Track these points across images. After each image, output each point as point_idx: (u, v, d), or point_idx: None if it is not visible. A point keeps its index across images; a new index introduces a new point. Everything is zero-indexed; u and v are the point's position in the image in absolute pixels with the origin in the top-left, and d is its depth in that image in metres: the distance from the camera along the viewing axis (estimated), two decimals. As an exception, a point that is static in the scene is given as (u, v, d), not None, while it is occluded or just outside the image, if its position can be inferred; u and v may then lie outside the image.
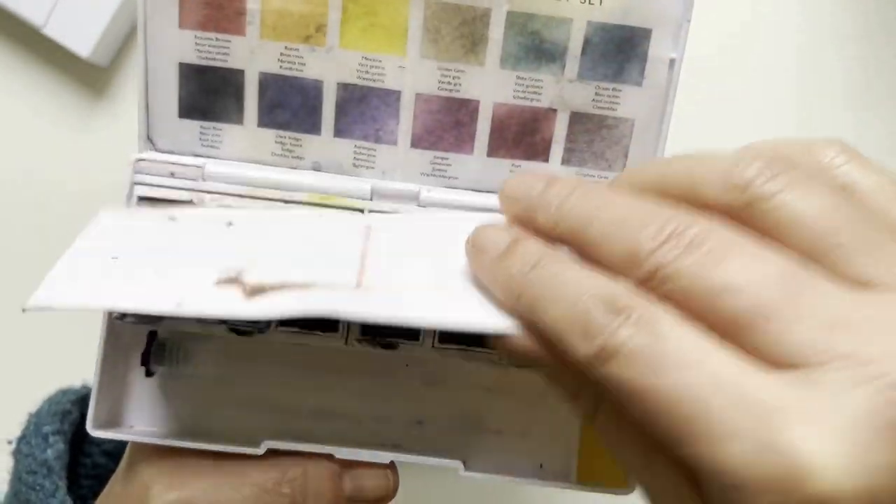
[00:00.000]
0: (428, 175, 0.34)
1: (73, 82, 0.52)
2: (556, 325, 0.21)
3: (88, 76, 0.52)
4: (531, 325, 0.22)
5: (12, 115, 0.52)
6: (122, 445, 0.39)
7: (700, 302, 0.20)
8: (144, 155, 0.33)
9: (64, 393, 0.38)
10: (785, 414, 0.18)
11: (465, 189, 0.34)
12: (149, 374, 0.32)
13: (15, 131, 0.52)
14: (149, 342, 0.32)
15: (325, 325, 0.32)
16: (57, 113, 0.52)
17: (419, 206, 0.33)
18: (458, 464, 0.31)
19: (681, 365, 0.19)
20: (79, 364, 0.44)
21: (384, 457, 0.32)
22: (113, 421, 0.33)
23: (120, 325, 0.32)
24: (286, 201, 0.33)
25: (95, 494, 0.37)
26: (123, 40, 0.52)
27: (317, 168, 0.34)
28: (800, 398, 0.18)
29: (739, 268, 0.19)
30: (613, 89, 0.32)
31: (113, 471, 0.38)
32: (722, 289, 0.19)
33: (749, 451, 0.18)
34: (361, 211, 0.33)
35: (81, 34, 0.49)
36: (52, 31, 0.49)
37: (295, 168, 0.34)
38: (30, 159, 0.52)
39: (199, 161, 0.33)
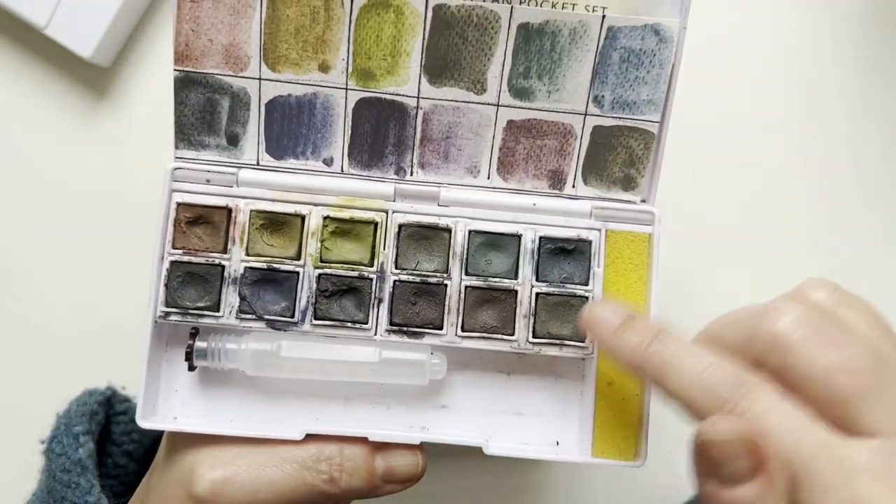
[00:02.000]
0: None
1: (74, 83, 0.53)
2: (684, 392, 0.28)
3: (90, 77, 0.53)
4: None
5: (14, 114, 0.53)
6: (141, 447, 0.42)
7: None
8: (180, 164, 0.36)
9: (90, 394, 0.41)
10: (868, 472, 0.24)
11: (482, 187, 0.37)
12: (191, 368, 0.35)
13: (17, 131, 0.53)
14: (191, 339, 0.35)
15: (355, 319, 0.36)
16: (59, 113, 0.53)
17: (439, 205, 0.36)
18: (482, 442, 0.35)
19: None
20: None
21: (414, 438, 0.35)
22: (159, 413, 0.36)
23: (163, 323, 0.36)
24: (315, 204, 0.36)
25: (115, 494, 0.41)
26: (125, 41, 0.53)
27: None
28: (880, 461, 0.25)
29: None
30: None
31: (134, 472, 0.41)
32: None
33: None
34: (385, 212, 0.36)
35: (83, 35, 0.50)
36: (54, 32, 0.50)
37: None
38: (32, 159, 0.53)
39: (233, 169, 0.36)
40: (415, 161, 0.37)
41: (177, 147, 0.36)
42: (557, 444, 0.37)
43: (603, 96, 0.36)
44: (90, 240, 0.52)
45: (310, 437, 0.35)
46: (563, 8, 0.35)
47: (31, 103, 0.53)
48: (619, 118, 0.36)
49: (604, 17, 0.34)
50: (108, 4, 0.50)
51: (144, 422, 0.35)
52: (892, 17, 0.55)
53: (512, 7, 0.34)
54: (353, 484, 0.35)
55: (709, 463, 0.26)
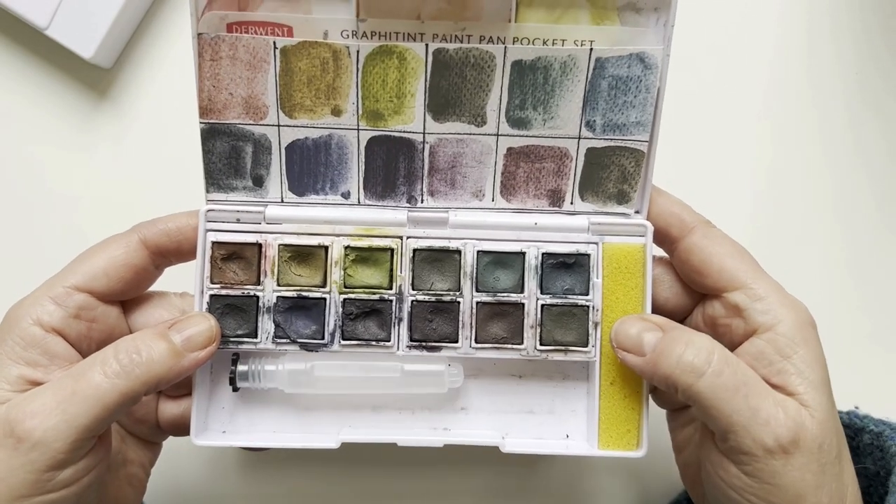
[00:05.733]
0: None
1: (75, 83, 0.58)
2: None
3: (91, 77, 0.58)
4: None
5: (16, 115, 0.58)
6: None
7: None
8: (212, 206, 0.42)
9: None
10: None
11: (487, 209, 0.44)
12: (235, 389, 0.43)
13: (18, 131, 0.58)
14: (233, 364, 0.43)
15: (379, 338, 0.43)
16: (60, 113, 0.58)
17: (449, 227, 0.43)
18: (498, 442, 0.43)
19: None
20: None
21: (438, 441, 0.43)
22: (209, 429, 0.44)
23: (207, 351, 0.43)
24: (336, 235, 0.43)
25: None
26: (126, 42, 0.58)
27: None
28: None
29: None
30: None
31: None
32: None
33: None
34: (400, 238, 0.43)
35: (84, 36, 0.54)
36: (56, 33, 0.54)
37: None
38: (33, 159, 0.58)
39: (260, 207, 0.42)
40: (424, 190, 0.43)
41: (207, 191, 0.43)
42: (567, 437, 0.44)
43: (594, 121, 0.42)
44: (91, 241, 0.54)
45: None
46: (553, 44, 0.40)
47: (32, 104, 0.58)
48: (611, 140, 0.42)
49: (591, 49, 0.40)
50: (109, 6, 0.54)
51: (198, 439, 0.42)
52: (861, 40, 0.60)
53: (506, 47, 0.40)
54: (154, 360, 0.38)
55: (625, 343, 0.40)
